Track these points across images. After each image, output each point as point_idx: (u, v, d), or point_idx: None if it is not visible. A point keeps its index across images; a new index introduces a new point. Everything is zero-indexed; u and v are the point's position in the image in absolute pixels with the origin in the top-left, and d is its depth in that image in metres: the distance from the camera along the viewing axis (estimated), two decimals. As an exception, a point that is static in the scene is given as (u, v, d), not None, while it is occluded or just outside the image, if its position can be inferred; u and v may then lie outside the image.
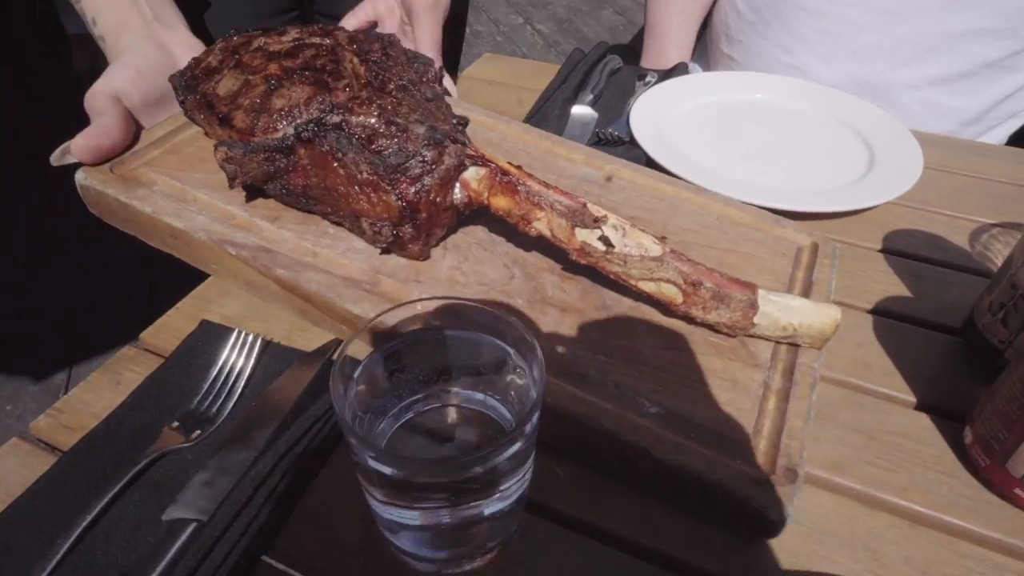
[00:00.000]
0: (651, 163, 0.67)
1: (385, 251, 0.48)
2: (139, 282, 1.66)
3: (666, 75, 0.87)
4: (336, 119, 0.46)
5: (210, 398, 0.44)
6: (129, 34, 0.58)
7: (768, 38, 0.98)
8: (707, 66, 1.11)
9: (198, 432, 0.42)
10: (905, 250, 0.62)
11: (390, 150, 0.45)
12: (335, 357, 0.36)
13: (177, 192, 0.52)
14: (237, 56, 0.52)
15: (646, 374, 0.43)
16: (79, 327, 1.69)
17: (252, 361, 0.46)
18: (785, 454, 0.40)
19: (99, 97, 0.53)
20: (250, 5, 0.98)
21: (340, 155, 0.45)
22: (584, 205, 0.45)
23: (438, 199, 0.46)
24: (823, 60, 0.94)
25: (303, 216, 0.51)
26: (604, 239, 0.44)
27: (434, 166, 0.45)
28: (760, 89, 0.84)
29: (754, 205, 0.59)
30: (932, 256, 0.61)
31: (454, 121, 0.49)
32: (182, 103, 0.54)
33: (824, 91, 0.82)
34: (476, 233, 0.52)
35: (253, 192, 0.52)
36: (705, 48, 1.13)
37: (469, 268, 0.49)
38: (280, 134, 0.47)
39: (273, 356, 0.47)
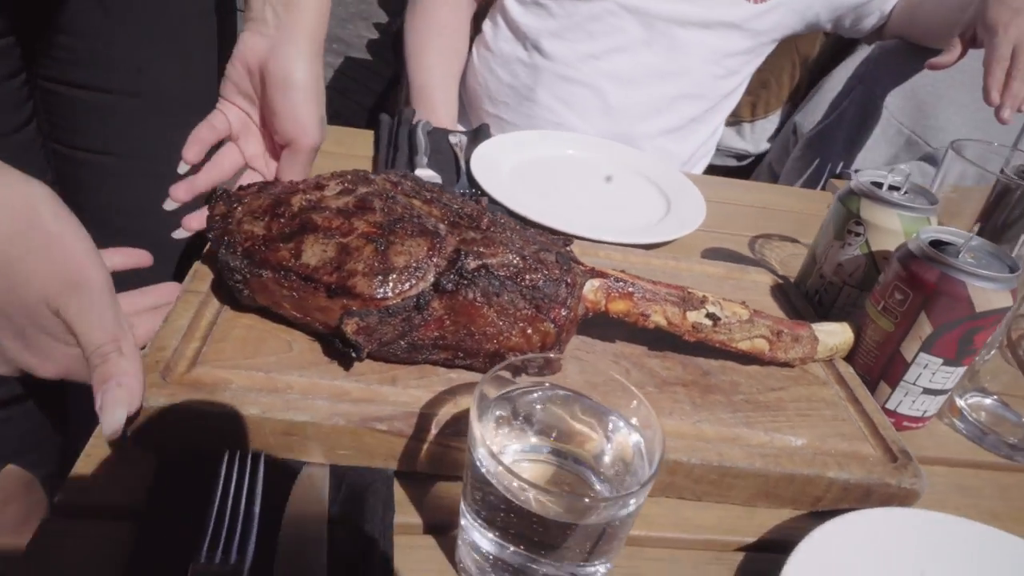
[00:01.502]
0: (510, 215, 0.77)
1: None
2: None
3: (474, 134, 0.97)
4: (473, 263, 0.47)
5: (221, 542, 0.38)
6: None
7: (533, 101, 1.17)
8: (470, 123, 1.25)
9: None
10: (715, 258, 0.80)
11: (540, 282, 0.47)
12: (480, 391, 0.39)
13: (264, 383, 0.46)
14: (296, 219, 0.49)
15: (769, 416, 0.53)
16: None
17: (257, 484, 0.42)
18: (892, 441, 0.52)
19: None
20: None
21: (495, 297, 0.46)
22: (687, 291, 0.53)
23: (575, 317, 0.50)
24: (582, 118, 1.16)
25: (416, 369, 0.49)
26: (711, 316, 0.53)
27: (574, 288, 0.49)
28: (571, 146, 1.00)
29: (605, 242, 0.72)
30: (730, 259, 0.81)
31: (560, 242, 0.53)
32: (240, 283, 0.48)
33: (623, 149, 1.01)
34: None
35: (347, 359, 0.48)
36: (464, 106, 1.27)
37: (591, 370, 0.53)
38: (415, 291, 0.46)
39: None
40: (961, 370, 0.56)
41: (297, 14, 0.55)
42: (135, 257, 0.52)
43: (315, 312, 0.47)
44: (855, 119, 1.24)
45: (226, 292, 0.52)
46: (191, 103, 0.66)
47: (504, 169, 0.88)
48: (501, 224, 0.52)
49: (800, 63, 1.52)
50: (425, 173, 0.83)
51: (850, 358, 0.60)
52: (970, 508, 0.55)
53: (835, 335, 0.58)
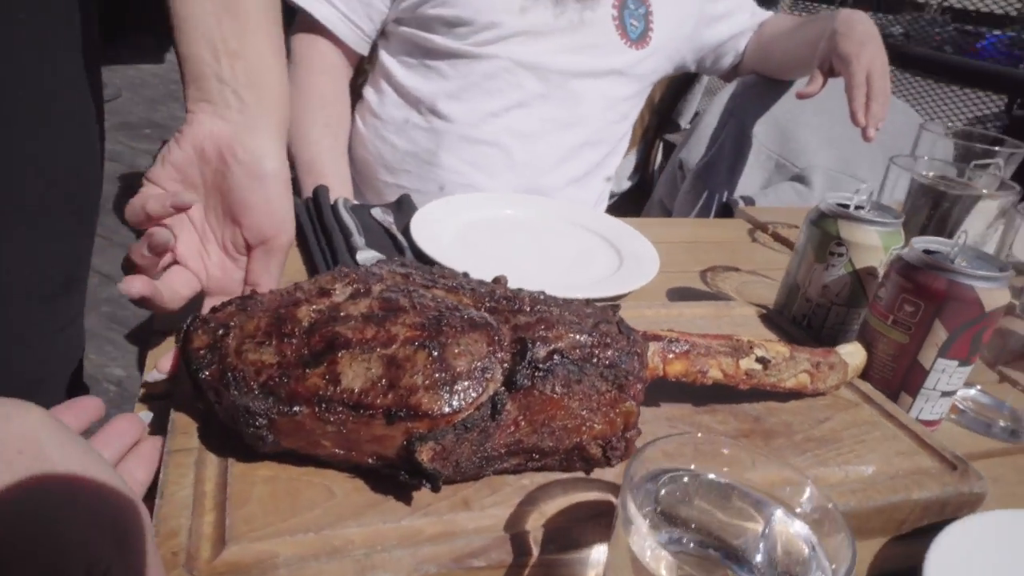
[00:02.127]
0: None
1: (590, 469, 0.44)
2: None
3: (397, 206, 0.92)
4: (543, 351, 0.41)
5: None
6: None
7: (436, 164, 1.13)
8: (365, 196, 1.19)
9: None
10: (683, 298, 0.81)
11: (615, 358, 0.42)
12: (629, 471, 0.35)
13: (318, 546, 0.37)
14: (317, 336, 0.40)
15: (834, 450, 0.51)
16: None
17: None
18: (942, 449, 0.53)
19: None
20: None
21: (575, 384, 0.40)
22: (734, 339, 0.51)
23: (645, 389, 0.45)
24: (489, 176, 1.14)
25: (482, 484, 0.42)
26: (760, 359, 0.51)
27: (643, 357, 0.44)
28: (507, 206, 0.96)
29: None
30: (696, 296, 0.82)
31: (609, 309, 0.48)
32: (264, 428, 0.38)
33: (552, 203, 1.00)
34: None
35: (406, 493, 0.40)
36: (354, 178, 1.18)
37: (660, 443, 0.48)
38: (487, 395, 0.39)
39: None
40: (970, 368, 0.58)
41: (262, 95, 0.47)
42: (89, 411, 0.40)
43: (366, 444, 0.39)
44: (732, 150, 1.33)
45: (223, 442, 0.41)
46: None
47: (446, 238, 0.83)
48: (543, 300, 0.46)
49: (649, 106, 1.62)
50: (367, 255, 0.75)
51: (864, 375, 0.61)
52: (1009, 497, 0.56)
53: (854, 356, 0.59)
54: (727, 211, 1.44)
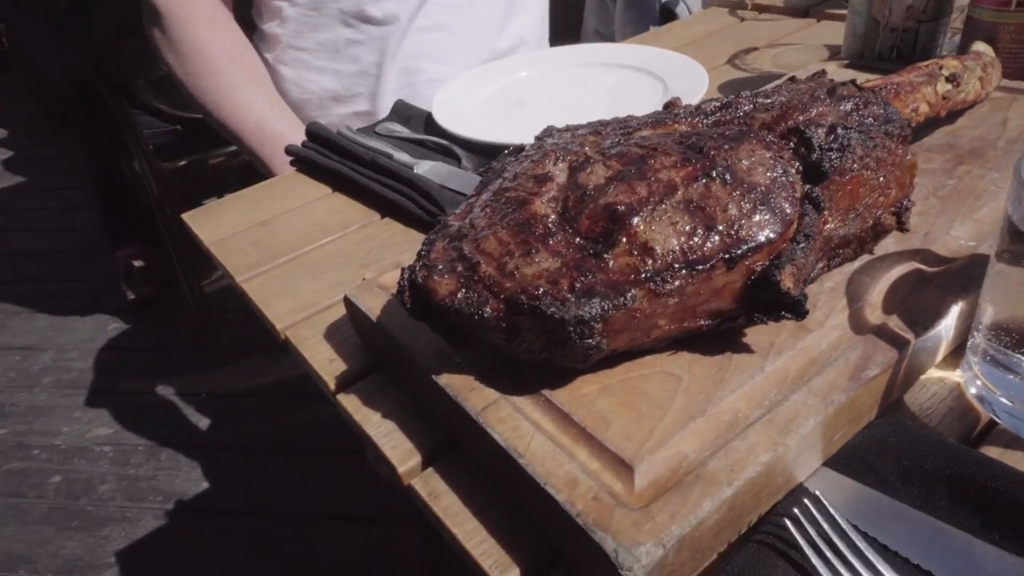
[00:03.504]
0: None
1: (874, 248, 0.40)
2: None
3: (396, 116, 0.82)
4: (822, 132, 0.35)
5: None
6: None
7: (389, 73, 0.98)
8: None
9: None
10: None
11: (874, 113, 0.37)
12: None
13: (715, 426, 0.31)
14: (584, 220, 0.33)
15: None
16: None
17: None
18: None
19: None
20: None
21: (872, 151, 0.35)
22: (922, 66, 0.46)
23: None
24: (445, 62, 0.99)
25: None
26: (951, 78, 0.47)
27: (887, 103, 0.39)
28: (517, 70, 0.87)
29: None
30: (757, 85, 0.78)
31: (822, 75, 0.42)
32: (594, 341, 0.31)
33: (567, 50, 0.91)
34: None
35: (736, 345, 0.35)
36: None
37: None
38: (800, 194, 0.34)
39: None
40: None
41: None
42: None
43: (703, 305, 0.33)
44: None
45: (513, 381, 0.35)
46: None
47: (477, 122, 0.73)
48: (751, 97, 0.40)
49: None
50: (427, 167, 0.64)
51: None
52: None
53: (989, 50, 0.56)
54: (669, 15, 1.38)
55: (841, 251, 0.38)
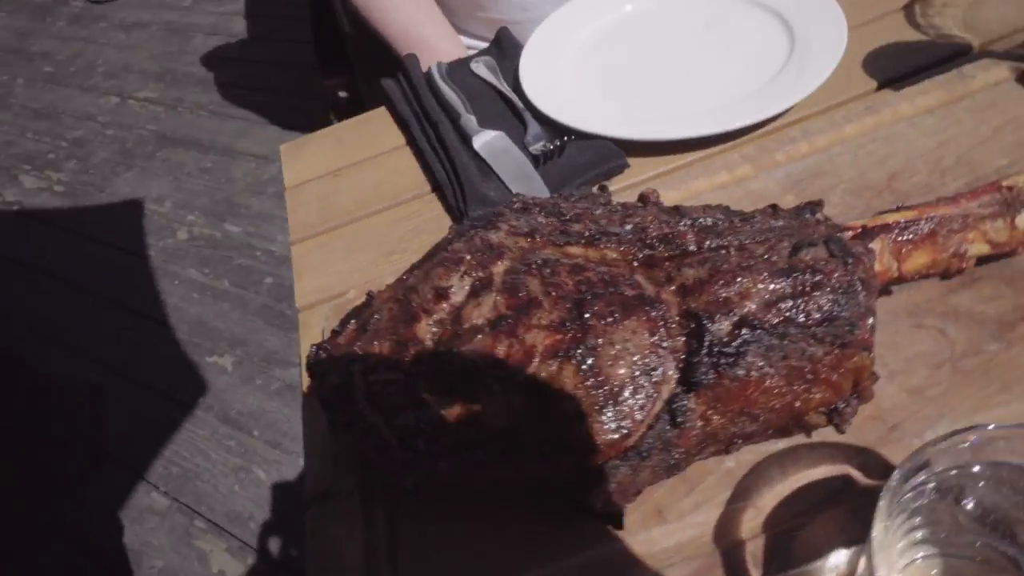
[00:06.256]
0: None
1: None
2: None
3: (496, 47, 0.76)
4: (726, 326, 0.30)
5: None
6: None
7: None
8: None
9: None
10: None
11: (828, 303, 0.31)
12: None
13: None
14: (452, 373, 0.33)
15: None
16: None
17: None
18: None
19: None
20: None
21: (779, 360, 0.30)
22: (1002, 187, 0.35)
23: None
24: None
25: (676, 479, 0.35)
26: (1047, 208, 0.35)
27: (869, 279, 0.32)
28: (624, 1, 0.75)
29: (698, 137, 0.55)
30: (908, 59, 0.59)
31: (808, 210, 0.35)
32: (410, 483, 0.34)
33: None
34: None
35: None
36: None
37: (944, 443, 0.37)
38: (661, 405, 0.30)
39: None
40: None
41: None
42: None
43: (526, 480, 0.33)
44: None
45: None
46: None
47: (566, 83, 0.67)
48: (713, 228, 0.34)
49: None
50: (483, 139, 0.63)
51: None
52: None
53: None
54: None
55: (744, 441, 0.34)
